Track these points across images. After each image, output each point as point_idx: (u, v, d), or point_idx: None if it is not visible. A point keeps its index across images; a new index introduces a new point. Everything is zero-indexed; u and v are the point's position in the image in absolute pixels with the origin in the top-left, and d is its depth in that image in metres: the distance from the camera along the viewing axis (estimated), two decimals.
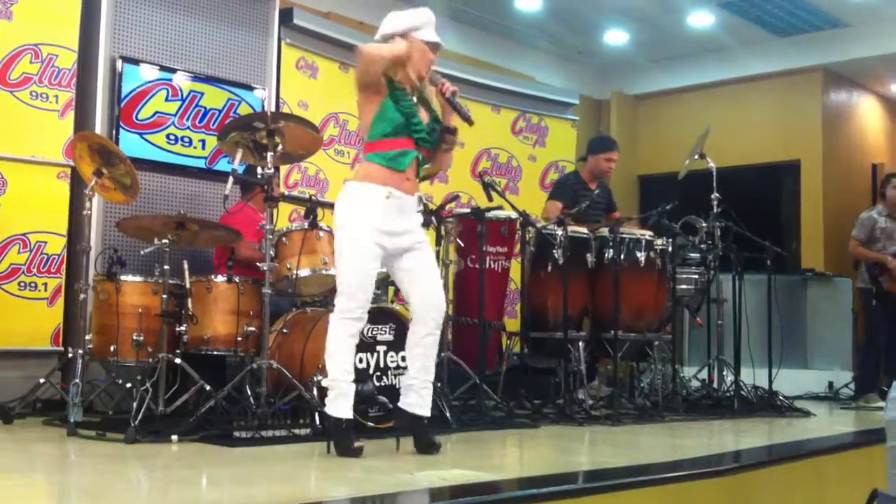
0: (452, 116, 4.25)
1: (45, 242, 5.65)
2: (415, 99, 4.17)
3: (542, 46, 10.12)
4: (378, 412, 4.81)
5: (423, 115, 4.20)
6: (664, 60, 10.58)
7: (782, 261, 7.64)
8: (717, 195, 6.96)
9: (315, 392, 4.65)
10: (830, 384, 8.61)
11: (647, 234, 6.37)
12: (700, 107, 10.49)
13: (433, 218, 5.77)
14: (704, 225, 6.94)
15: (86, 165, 5.06)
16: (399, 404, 4.21)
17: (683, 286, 6.79)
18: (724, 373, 6.89)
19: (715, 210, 6.93)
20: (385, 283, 5.46)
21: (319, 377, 4.68)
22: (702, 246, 6.86)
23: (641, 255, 6.27)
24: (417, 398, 4.16)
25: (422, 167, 4.21)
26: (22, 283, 5.56)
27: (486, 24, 9.45)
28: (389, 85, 4.09)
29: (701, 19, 9.37)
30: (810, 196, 9.96)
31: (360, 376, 4.78)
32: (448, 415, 5.04)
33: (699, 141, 7.19)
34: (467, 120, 4.23)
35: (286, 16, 6.88)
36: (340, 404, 3.99)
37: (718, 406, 6.52)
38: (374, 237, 4.01)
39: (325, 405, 4.05)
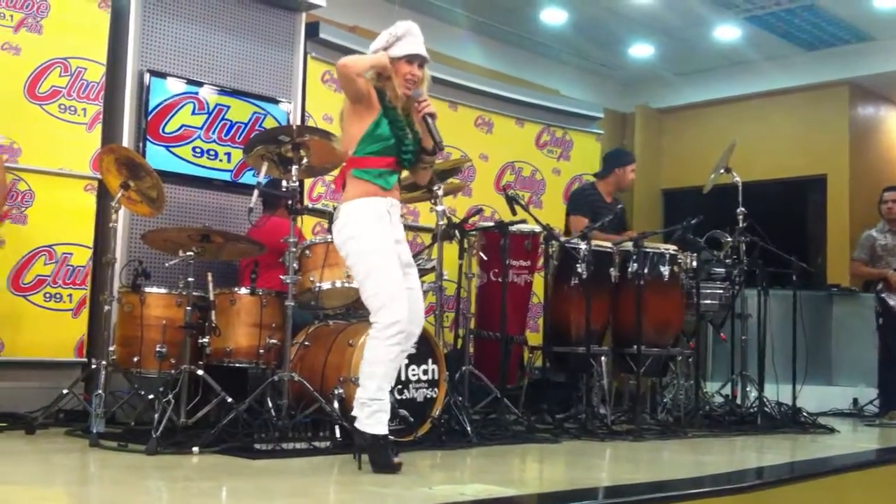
0: (426, 137, 4.18)
1: (71, 254, 5.70)
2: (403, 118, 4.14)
3: (566, 60, 10.13)
4: (398, 425, 4.81)
5: (409, 134, 4.16)
6: (689, 74, 10.56)
7: (808, 276, 7.60)
8: (743, 210, 6.93)
9: (336, 405, 4.66)
10: (855, 401, 8.53)
11: (672, 248, 6.34)
12: (725, 121, 10.45)
13: (456, 231, 5.79)
14: (730, 240, 6.91)
15: (113, 178, 5.11)
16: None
17: (708, 301, 6.76)
18: (748, 389, 6.84)
19: (740, 225, 6.89)
20: None
21: (341, 390, 4.70)
22: (727, 261, 6.83)
23: (665, 270, 6.25)
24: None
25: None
26: (47, 295, 5.62)
27: (510, 38, 9.47)
28: (383, 101, 4.08)
29: (727, 33, 9.35)
30: (837, 211, 9.89)
31: None
32: (468, 429, 5.03)
33: (725, 155, 7.16)
34: (437, 145, 4.13)
35: (312, 30, 6.93)
36: (378, 420, 3.91)
37: (741, 422, 6.47)
38: (392, 246, 4.02)
39: (352, 419, 3.96)
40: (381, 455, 3.89)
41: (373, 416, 3.92)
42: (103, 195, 5.67)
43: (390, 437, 3.98)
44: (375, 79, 4.10)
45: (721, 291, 6.82)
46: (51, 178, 5.66)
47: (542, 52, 9.85)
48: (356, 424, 3.95)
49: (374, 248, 3.98)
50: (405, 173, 4.32)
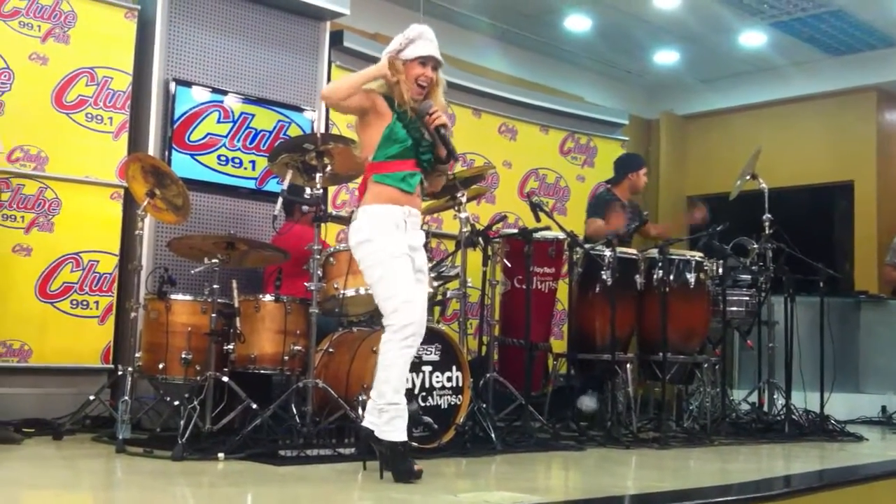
0: (440, 147, 4.16)
1: (98, 261, 5.75)
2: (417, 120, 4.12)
3: (591, 66, 10.11)
4: (423, 432, 4.80)
5: (426, 136, 4.15)
6: (715, 80, 10.50)
7: (835, 283, 7.54)
8: (769, 216, 6.88)
9: (360, 411, 4.66)
10: (884, 408, 8.42)
11: (698, 255, 6.31)
12: (751, 127, 10.38)
13: (480, 238, 5.79)
14: (756, 246, 6.87)
15: (139, 186, 5.15)
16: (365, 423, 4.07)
17: (734, 308, 6.72)
18: (775, 396, 6.79)
19: (767, 231, 6.85)
20: (430, 303, 5.47)
21: (364, 397, 4.69)
22: (753, 268, 6.79)
23: (691, 277, 6.21)
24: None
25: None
26: (74, 302, 5.67)
27: (534, 45, 9.47)
28: (394, 107, 4.07)
29: (752, 39, 9.29)
30: (864, 217, 9.79)
31: (405, 396, 4.79)
32: (493, 436, 5.02)
33: (751, 161, 7.13)
34: (450, 154, 4.12)
35: (336, 38, 6.96)
36: (396, 427, 3.89)
37: (769, 430, 6.43)
38: (406, 252, 4.00)
39: (366, 428, 3.94)
40: (402, 463, 3.86)
41: (391, 423, 3.89)
42: (129, 203, 5.71)
43: (410, 443, 3.96)
44: (384, 87, 4.09)
45: (747, 298, 6.79)
46: (77, 186, 5.72)
47: (566, 59, 9.83)
48: (375, 432, 3.91)
49: (386, 253, 3.97)
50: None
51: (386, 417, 3.90)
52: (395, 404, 3.90)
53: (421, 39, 4.11)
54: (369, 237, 4.00)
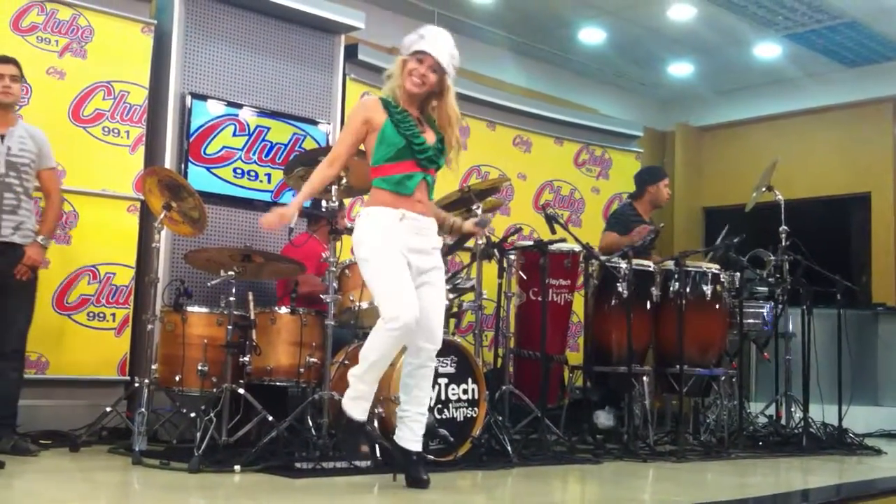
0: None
1: (115, 274, 5.77)
2: (419, 119, 4.11)
3: (605, 79, 10.11)
4: (439, 444, 4.79)
5: (430, 136, 4.11)
6: (730, 92, 10.48)
7: (852, 295, 7.48)
8: (786, 228, 6.85)
9: (376, 424, 4.65)
10: None
11: (714, 267, 6.29)
12: (766, 139, 10.35)
13: (495, 250, 5.78)
14: (773, 258, 6.84)
15: (155, 199, 5.18)
16: (394, 436, 4.13)
17: (751, 320, 6.68)
18: (793, 409, 6.75)
19: (783, 243, 6.82)
20: (446, 314, 5.46)
21: (380, 409, 4.69)
22: (770, 280, 6.75)
23: (708, 289, 6.19)
24: (408, 431, 4.08)
25: (433, 187, 4.17)
26: (91, 314, 5.69)
27: (549, 57, 9.47)
28: (390, 108, 4.05)
29: (767, 50, 9.27)
30: (881, 229, 9.74)
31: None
32: (509, 449, 5.00)
33: (767, 173, 7.10)
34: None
35: (351, 51, 6.98)
36: (358, 404, 3.97)
37: (786, 443, 6.39)
38: (402, 251, 3.97)
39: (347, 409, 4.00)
40: (351, 439, 3.99)
41: (354, 400, 3.97)
42: (146, 216, 5.74)
43: (368, 427, 4.05)
44: (389, 89, 4.11)
45: (764, 310, 6.75)
46: (94, 199, 5.75)
47: (580, 71, 9.84)
48: (343, 400, 4.01)
49: (375, 249, 3.96)
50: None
51: (354, 393, 3.97)
52: (368, 390, 3.96)
53: (426, 39, 4.05)
54: (360, 239, 4.01)
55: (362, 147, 4.21)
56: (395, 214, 3.99)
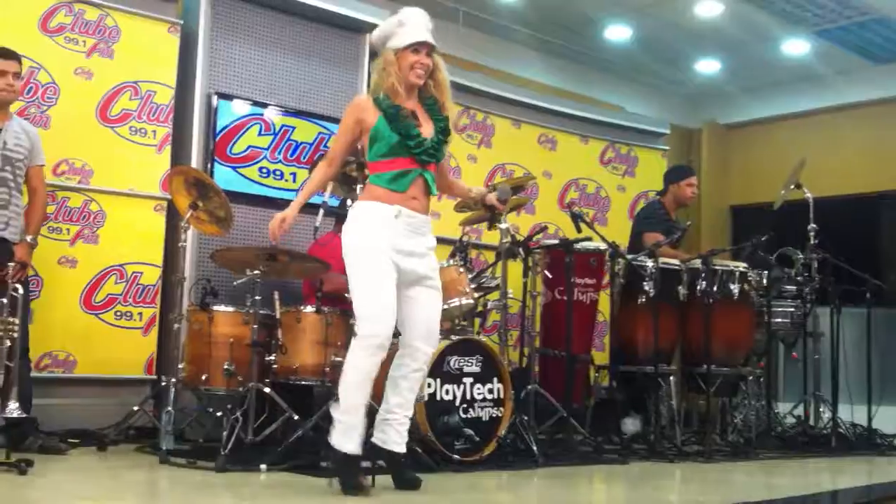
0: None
1: (141, 273, 5.80)
2: (415, 112, 4.00)
3: (631, 76, 10.05)
4: (464, 444, 4.78)
5: (427, 128, 3.99)
6: (757, 89, 10.39)
7: (882, 293, 7.40)
8: (814, 226, 6.79)
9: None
10: None
11: (742, 265, 6.24)
12: (794, 136, 10.25)
13: (520, 249, 5.76)
14: (801, 257, 6.79)
15: (182, 198, 5.20)
16: (373, 440, 3.98)
17: (779, 319, 6.64)
18: (821, 409, 6.69)
19: (812, 241, 6.76)
20: (471, 314, 5.46)
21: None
22: (798, 278, 6.70)
23: (735, 288, 6.14)
24: (395, 434, 3.95)
25: (433, 183, 4.02)
26: (118, 313, 5.72)
27: (574, 55, 9.43)
28: (383, 104, 3.95)
29: (796, 47, 9.18)
30: None
31: (446, 408, 4.79)
32: (535, 449, 4.98)
33: (795, 171, 7.04)
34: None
35: (376, 50, 6.96)
36: (351, 438, 3.78)
37: (815, 444, 6.34)
38: (388, 254, 3.82)
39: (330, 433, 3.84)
40: (349, 475, 3.76)
41: (345, 434, 3.79)
42: (172, 215, 5.76)
43: (358, 453, 3.81)
44: (377, 87, 4.01)
45: (792, 309, 6.70)
46: (121, 198, 5.78)
47: (606, 69, 9.79)
48: (330, 440, 3.82)
49: (361, 255, 3.84)
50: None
51: (341, 427, 3.79)
52: (350, 415, 3.77)
53: (410, 25, 3.96)
54: (351, 243, 3.89)
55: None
56: (391, 211, 3.87)
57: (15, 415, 4.22)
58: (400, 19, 4.00)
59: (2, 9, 5.45)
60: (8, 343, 4.31)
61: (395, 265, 3.85)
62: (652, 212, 7.04)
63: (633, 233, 6.96)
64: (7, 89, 4.86)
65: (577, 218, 5.81)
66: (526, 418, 5.23)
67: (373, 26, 6.71)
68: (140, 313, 5.79)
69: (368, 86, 6.69)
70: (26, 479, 3.88)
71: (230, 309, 5.09)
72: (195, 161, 5.98)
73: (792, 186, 7.03)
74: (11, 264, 4.60)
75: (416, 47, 3.95)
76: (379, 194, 3.91)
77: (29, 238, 4.90)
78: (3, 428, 4.41)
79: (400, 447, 3.97)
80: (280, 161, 6.32)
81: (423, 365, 4.00)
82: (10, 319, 4.33)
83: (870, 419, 6.56)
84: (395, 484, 3.95)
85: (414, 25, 3.97)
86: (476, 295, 5.45)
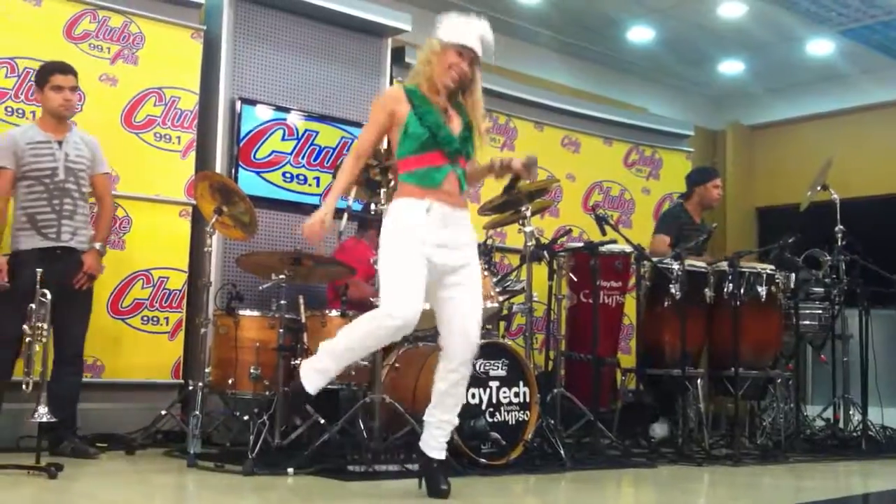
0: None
1: (167, 278, 5.82)
2: (446, 108, 3.95)
3: (654, 78, 10.00)
4: (491, 448, 4.76)
5: (455, 125, 3.93)
6: (782, 90, 10.32)
7: None
8: (842, 227, 6.74)
9: None
10: None
11: (769, 267, 6.19)
12: (820, 137, 10.17)
13: (545, 252, 5.74)
14: (829, 258, 6.74)
15: (207, 204, 5.21)
16: (419, 442, 3.97)
17: (807, 322, 6.58)
18: (851, 412, 6.63)
19: (839, 243, 6.70)
20: (496, 317, 5.44)
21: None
22: (826, 280, 6.64)
23: (763, 290, 6.09)
24: (430, 438, 3.91)
25: (464, 179, 3.95)
26: (145, 318, 5.74)
27: (597, 57, 9.40)
28: (414, 99, 3.90)
29: (820, 47, 9.11)
30: None
31: (473, 412, 4.77)
32: (562, 452, 4.95)
33: (822, 172, 6.99)
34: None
35: (398, 55, 6.98)
36: (318, 382, 3.82)
37: (845, 447, 6.28)
38: (420, 248, 3.76)
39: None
40: (295, 403, 3.90)
41: (313, 371, 3.82)
42: (198, 220, 5.78)
43: (311, 394, 3.84)
44: (417, 76, 3.98)
45: (821, 311, 6.64)
46: (147, 204, 5.80)
47: (629, 71, 9.75)
48: (303, 366, 3.87)
49: (392, 246, 3.79)
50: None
51: (316, 364, 3.82)
52: (333, 368, 3.83)
53: (468, 28, 3.93)
54: (384, 240, 3.84)
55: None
56: (422, 205, 3.81)
57: (45, 419, 4.24)
58: (466, 20, 3.97)
59: (27, 16, 5.49)
60: (37, 348, 4.35)
61: (426, 260, 3.78)
62: (669, 215, 7.01)
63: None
64: (65, 104, 4.95)
65: (601, 220, 5.78)
66: (552, 422, 5.20)
67: (394, 30, 6.78)
68: (167, 318, 5.81)
69: None
70: (56, 482, 3.90)
71: (256, 313, 5.10)
72: (219, 166, 6.00)
73: (819, 188, 6.97)
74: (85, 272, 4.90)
75: (461, 50, 3.90)
76: (411, 191, 3.86)
77: (98, 246, 5.03)
78: (39, 431, 4.44)
79: (433, 452, 3.91)
80: (303, 166, 6.33)
81: (458, 367, 3.85)
82: (39, 325, 4.37)
83: None
84: (426, 489, 3.88)
85: (471, 31, 3.94)
86: (501, 298, 5.44)
